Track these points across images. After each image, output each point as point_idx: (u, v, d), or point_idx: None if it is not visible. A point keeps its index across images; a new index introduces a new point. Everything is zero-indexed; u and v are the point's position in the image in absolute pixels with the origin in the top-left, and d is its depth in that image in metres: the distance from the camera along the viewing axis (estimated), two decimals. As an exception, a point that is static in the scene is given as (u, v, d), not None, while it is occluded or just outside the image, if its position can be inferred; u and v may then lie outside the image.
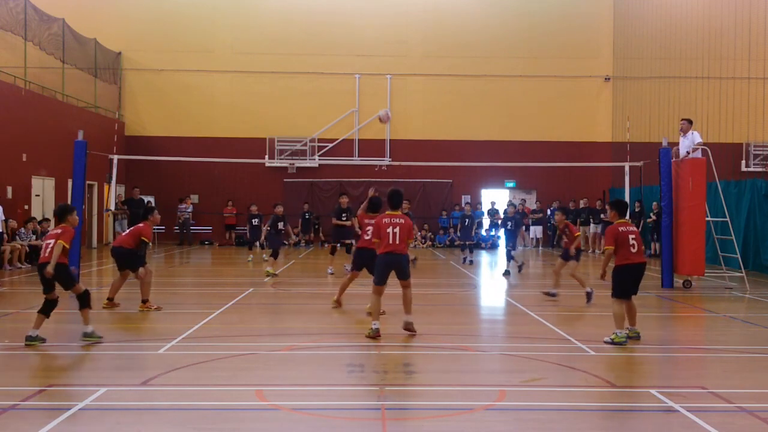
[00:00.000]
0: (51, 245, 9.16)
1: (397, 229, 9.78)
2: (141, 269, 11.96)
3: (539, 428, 6.11)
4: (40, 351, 8.90)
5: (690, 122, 15.95)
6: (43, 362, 8.42)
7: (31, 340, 9.01)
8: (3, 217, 15.76)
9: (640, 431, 6.12)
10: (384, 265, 9.89)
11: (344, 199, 18.71)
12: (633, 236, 9.52)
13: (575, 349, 9.09)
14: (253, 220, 21.60)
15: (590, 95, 30.86)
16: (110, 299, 12.26)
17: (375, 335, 9.55)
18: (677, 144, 16.03)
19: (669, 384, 7.65)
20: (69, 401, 6.60)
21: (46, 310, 9.26)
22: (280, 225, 18.09)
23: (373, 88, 30.29)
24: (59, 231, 9.34)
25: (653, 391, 7.04)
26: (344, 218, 18.22)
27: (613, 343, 9.31)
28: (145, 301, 12.02)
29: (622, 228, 9.58)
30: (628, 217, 9.97)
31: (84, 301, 9.34)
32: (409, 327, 9.86)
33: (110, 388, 7.06)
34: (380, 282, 9.92)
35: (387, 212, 10.01)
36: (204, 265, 22.27)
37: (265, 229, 19.10)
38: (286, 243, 18.82)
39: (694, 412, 6.39)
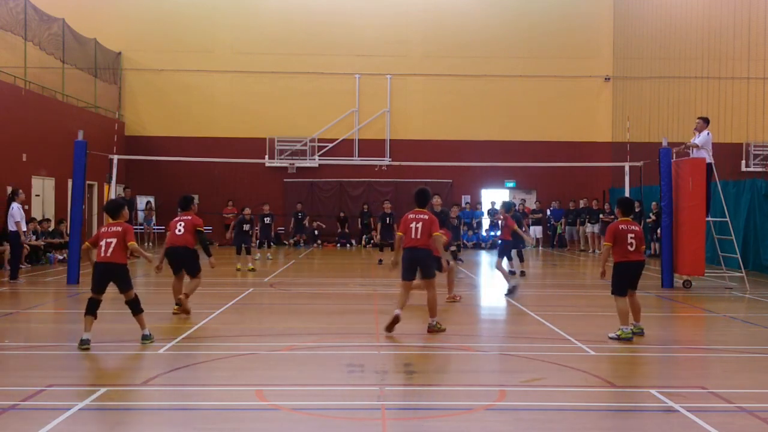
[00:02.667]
0: (113, 243, 8.94)
1: (420, 225, 10.03)
2: (200, 274, 11.76)
3: (539, 428, 6.11)
4: (40, 351, 8.89)
5: (704, 120, 15.71)
6: (43, 362, 8.42)
7: (85, 344, 8.74)
8: (16, 219, 15.79)
9: (640, 431, 6.12)
10: (407, 260, 10.10)
11: (387, 205, 21.67)
12: (632, 235, 9.61)
13: (575, 349, 9.09)
14: (266, 219, 21.90)
15: (590, 95, 30.86)
16: (179, 304, 11.48)
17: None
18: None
19: (669, 384, 7.64)
20: (69, 401, 6.60)
21: (93, 309, 8.96)
22: (246, 227, 19.14)
23: (373, 88, 30.29)
24: (119, 228, 9.08)
25: (653, 391, 7.04)
26: (388, 222, 20.80)
27: (619, 339, 9.46)
28: (179, 304, 11.65)
29: (622, 226, 9.70)
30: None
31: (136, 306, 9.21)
32: (431, 329, 10.03)
33: (110, 388, 7.06)
34: (406, 278, 10.14)
35: (414, 209, 10.31)
36: (203, 265, 22.20)
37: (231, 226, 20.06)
38: (250, 242, 19.19)
39: (694, 412, 6.39)
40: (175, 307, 11.37)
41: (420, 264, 10.09)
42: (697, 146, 15.60)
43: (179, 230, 11.61)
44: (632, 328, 9.66)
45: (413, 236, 10.02)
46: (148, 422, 6.25)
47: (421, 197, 10.35)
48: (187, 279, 11.67)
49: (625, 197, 10.57)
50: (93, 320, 8.88)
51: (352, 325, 11.03)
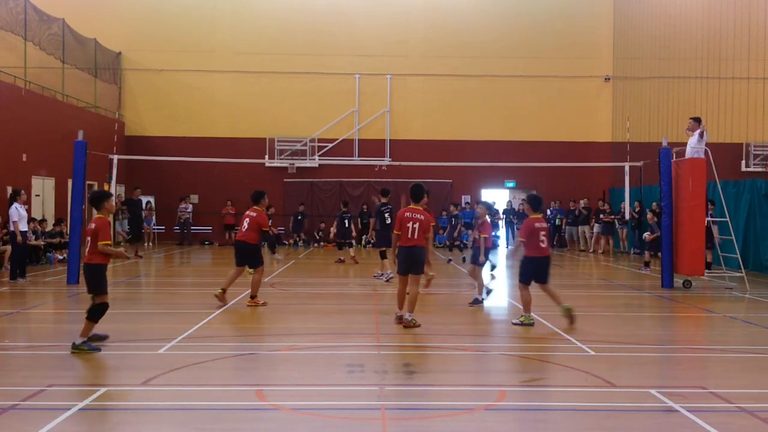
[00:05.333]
0: (88, 243, 8.73)
1: (417, 225, 10.50)
2: (261, 267, 12.45)
3: (539, 428, 6.11)
4: (40, 351, 8.89)
5: (695, 120, 15.72)
6: (43, 362, 8.42)
7: (91, 341, 8.69)
8: (13, 218, 15.79)
9: (640, 431, 6.12)
10: (404, 256, 10.56)
11: (345, 208, 21.50)
12: (544, 232, 10.73)
13: (575, 349, 9.09)
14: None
15: (590, 95, 30.85)
16: (224, 290, 12.43)
17: (398, 321, 10.47)
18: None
19: (669, 384, 7.64)
20: (69, 401, 6.60)
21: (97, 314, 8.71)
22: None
23: (373, 88, 30.29)
24: (93, 226, 8.75)
25: (653, 391, 7.04)
26: (346, 224, 20.82)
27: (522, 324, 10.59)
28: (253, 297, 12.35)
29: (537, 224, 10.72)
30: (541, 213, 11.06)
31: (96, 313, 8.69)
32: (403, 322, 10.40)
33: (110, 388, 7.06)
34: (403, 272, 10.63)
35: (410, 206, 10.73)
36: (204, 265, 22.27)
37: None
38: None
39: (694, 412, 6.39)
40: (219, 291, 12.31)
41: (413, 261, 10.55)
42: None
43: (244, 226, 12.52)
44: (561, 309, 10.64)
45: (410, 235, 10.49)
46: (148, 422, 6.24)
47: (417, 193, 10.77)
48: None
49: (533, 194, 11.48)
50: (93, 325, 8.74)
51: (352, 325, 11.02)
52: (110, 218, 9.08)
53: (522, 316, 10.81)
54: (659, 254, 16.58)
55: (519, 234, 11.03)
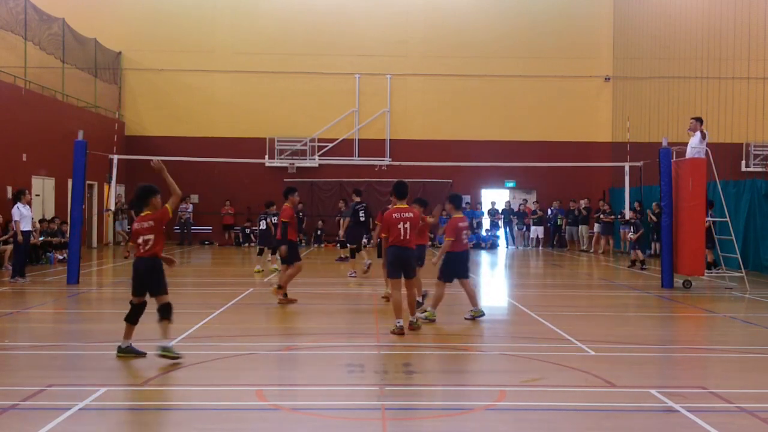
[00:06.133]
0: (150, 240, 8.15)
1: (407, 225, 10.02)
2: (297, 263, 12.54)
3: (539, 428, 6.11)
4: (40, 351, 8.89)
5: (697, 120, 15.72)
6: (43, 362, 8.42)
7: (123, 351, 8.27)
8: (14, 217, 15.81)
9: (640, 431, 6.12)
10: (394, 258, 10.06)
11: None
12: (466, 231, 11.13)
13: (575, 349, 9.09)
14: (273, 219, 21.84)
15: (590, 95, 30.85)
16: (284, 293, 12.54)
17: (398, 332, 9.76)
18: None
19: (669, 384, 7.65)
20: (69, 401, 6.59)
21: (134, 317, 8.34)
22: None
23: (373, 88, 30.29)
24: (152, 222, 8.21)
25: (653, 391, 7.04)
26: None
27: (427, 320, 10.65)
28: (280, 287, 12.54)
29: (461, 223, 10.91)
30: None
31: (165, 312, 8.24)
32: (411, 326, 10.04)
33: (110, 388, 7.06)
34: (394, 276, 10.10)
35: (396, 206, 10.18)
36: (204, 265, 22.28)
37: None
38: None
39: (694, 412, 6.38)
40: (280, 294, 12.57)
41: (404, 264, 10.04)
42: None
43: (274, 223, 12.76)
44: (472, 312, 10.99)
45: (401, 237, 9.97)
46: (148, 422, 6.24)
47: (401, 190, 10.22)
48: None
49: (454, 193, 11.70)
50: (132, 328, 8.36)
51: (352, 325, 11.03)
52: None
53: (426, 311, 10.88)
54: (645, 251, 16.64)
55: (446, 234, 10.92)
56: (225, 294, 14.04)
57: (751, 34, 23.70)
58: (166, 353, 8.05)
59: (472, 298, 11.14)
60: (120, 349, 8.29)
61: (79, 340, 9.60)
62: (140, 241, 8.18)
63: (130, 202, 25.28)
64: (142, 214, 8.32)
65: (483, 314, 11.11)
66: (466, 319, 11.03)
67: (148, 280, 8.26)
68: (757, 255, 18.80)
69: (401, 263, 10.02)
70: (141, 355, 8.26)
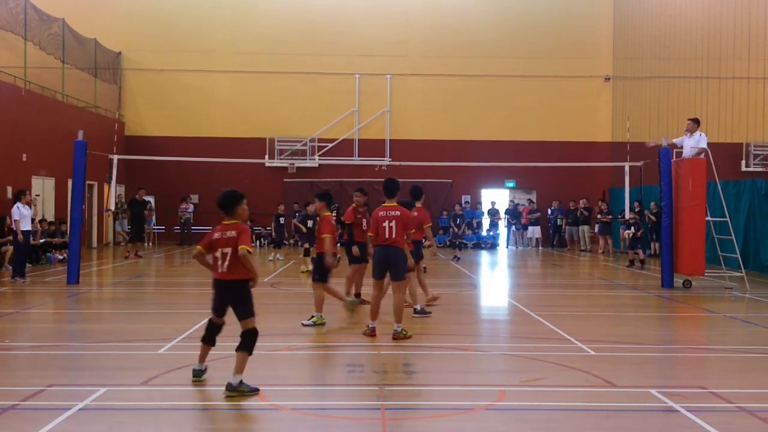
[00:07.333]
0: (228, 254, 7.06)
1: (393, 223, 9.57)
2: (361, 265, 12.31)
3: (539, 428, 6.10)
4: (40, 351, 8.89)
5: (696, 122, 15.71)
6: (43, 362, 8.42)
7: (198, 375, 7.39)
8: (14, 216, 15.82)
9: (640, 431, 6.12)
10: (379, 258, 9.70)
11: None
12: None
13: (575, 349, 9.09)
14: (280, 219, 21.94)
15: (590, 95, 30.85)
16: (357, 294, 12.38)
17: (370, 333, 9.63)
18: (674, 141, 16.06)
19: (669, 384, 7.64)
20: (69, 401, 6.59)
21: (210, 337, 7.44)
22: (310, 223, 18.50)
23: (373, 88, 30.29)
24: (234, 233, 7.11)
25: (653, 391, 7.04)
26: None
27: (315, 324, 10.38)
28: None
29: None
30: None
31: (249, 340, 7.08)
32: (396, 336, 9.49)
33: (110, 388, 7.05)
34: (377, 276, 9.79)
35: (384, 204, 9.83)
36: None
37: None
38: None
39: (694, 412, 6.39)
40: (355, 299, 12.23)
41: (390, 264, 9.63)
42: (675, 146, 15.70)
43: None
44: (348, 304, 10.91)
45: (386, 235, 9.58)
46: (148, 422, 6.24)
47: (391, 187, 9.83)
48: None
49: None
50: (209, 349, 7.44)
51: (352, 325, 11.01)
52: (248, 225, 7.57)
53: (314, 316, 10.59)
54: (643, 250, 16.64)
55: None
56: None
57: (751, 34, 23.70)
58: (237, 391, 6.81)
59: (337, 294, 11.19)
60: (230, 387, 6.84)
61: (79, 340, 9.60)
62: (218, 254, 7.13)
63: (128, 203, 25.22)
64: (225, 223, 7.22)
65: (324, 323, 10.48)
66: (304, 325, 10.44)
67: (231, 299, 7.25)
68: (757, 255, 18.79)
69: (387, 263, 9.64)
70: (255, 392, 6.90)
